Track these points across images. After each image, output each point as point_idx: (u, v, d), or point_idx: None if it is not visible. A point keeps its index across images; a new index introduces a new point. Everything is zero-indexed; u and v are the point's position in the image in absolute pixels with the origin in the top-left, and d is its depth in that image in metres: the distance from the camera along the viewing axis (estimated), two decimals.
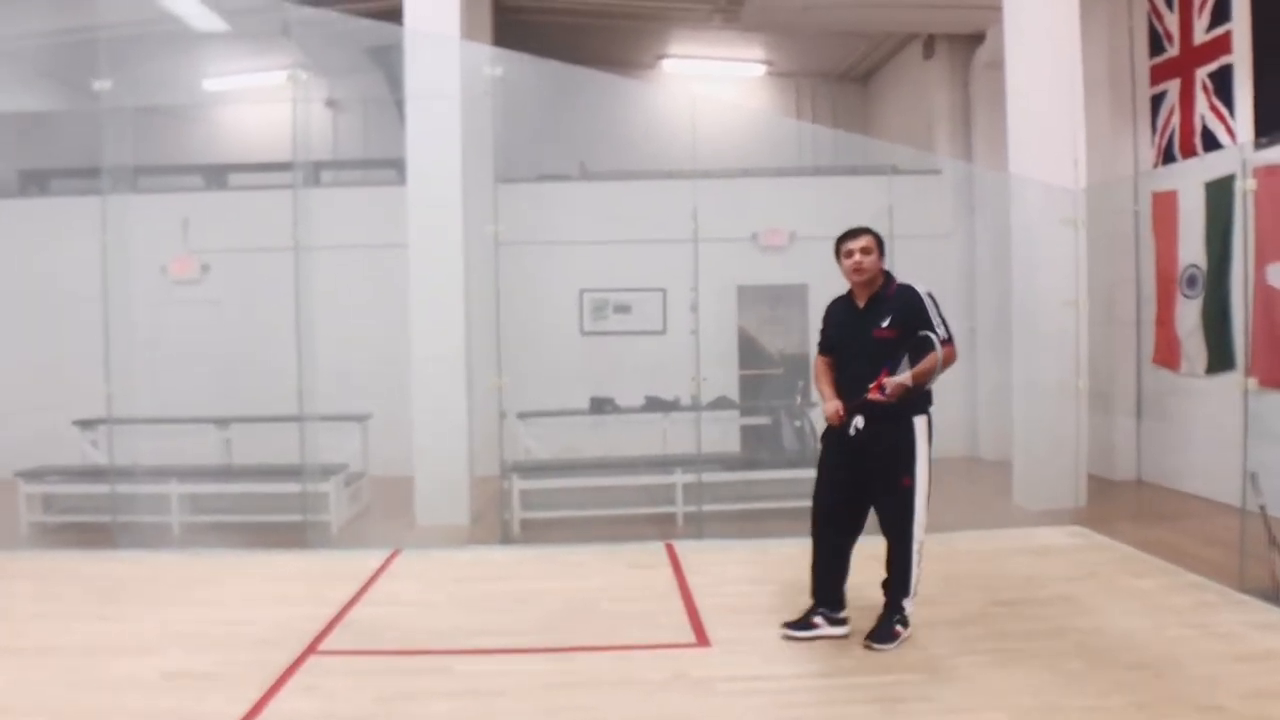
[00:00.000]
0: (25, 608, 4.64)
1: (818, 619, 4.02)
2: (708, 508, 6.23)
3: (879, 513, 3.97)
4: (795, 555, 5.37)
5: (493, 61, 6.09)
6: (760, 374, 8.53)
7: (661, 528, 6.31)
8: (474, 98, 6.53)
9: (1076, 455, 6.72)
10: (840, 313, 4.08)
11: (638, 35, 10.28)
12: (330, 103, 10.72)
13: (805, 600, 4.58)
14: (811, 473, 6.75)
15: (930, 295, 3.83)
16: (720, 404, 7.49)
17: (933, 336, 3.71)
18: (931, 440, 3.86)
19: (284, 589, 4.91)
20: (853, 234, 3.93)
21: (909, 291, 3.87)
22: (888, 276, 3.97)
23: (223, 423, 7.64)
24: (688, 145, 7.16)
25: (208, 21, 9.14)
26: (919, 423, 3.83)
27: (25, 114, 9.42)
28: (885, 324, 3.81)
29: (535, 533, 6.22)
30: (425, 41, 6.48)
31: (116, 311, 6.55)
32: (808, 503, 6.59)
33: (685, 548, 5.65)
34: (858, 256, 3.87)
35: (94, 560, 5.65)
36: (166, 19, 8.77)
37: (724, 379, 8.03)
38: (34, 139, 9.50)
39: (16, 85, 9.50)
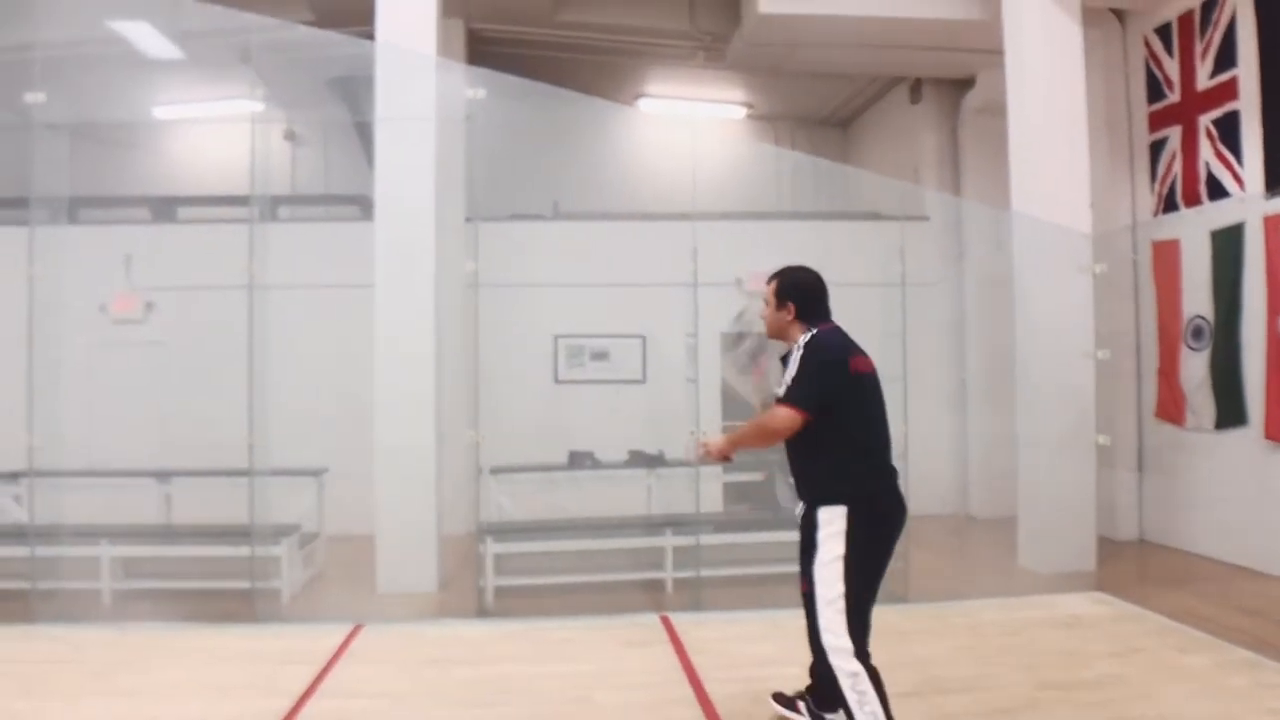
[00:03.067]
0: None
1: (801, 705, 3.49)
2: (704, 574, 5.68)
3: None
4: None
5: (472, 82, 5.63)
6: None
7: (651, 595, 5.76)
8: (449, 123, 6.08)
9: (1088, 515, 6.35)
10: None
11: (615, 72, 9.97)
12: (289, 135, 10.19)
13: None
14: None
15: (811, 344, 3.06)
16: (706, 459, 7.01)
17: (781, 391, 3.02)
18: (857, 538, 2.94)
19: (228, 674, 4.24)
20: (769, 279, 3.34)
21: (801, 341, 3.12)
22: (816, 327, 3.18)
23: (163, 477, 6.93)
24: (666, 185, 6.83)
25: (162, 48, 8.63)
26: (824, 514, 2.99)
27: None
28: (787, 379, 3.08)
29: (512, 602, 5.61)
30: (399, 60, 6.02)
31: (45, 352, 5.88)
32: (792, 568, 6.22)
33: (684, 621, 5.10)
34: (762, 309, 3.36)
35: (9, 637, 4.91)
36: (115, 41, 8.25)
37: (708, 431, 7.57)
38: None
39: None
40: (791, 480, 7.01)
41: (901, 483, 3.23)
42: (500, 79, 5.90)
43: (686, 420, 6.14)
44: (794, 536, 6.11)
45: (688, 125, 10.09)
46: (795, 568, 5.87)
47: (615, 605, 5.39)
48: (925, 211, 8.97)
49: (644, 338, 8.15)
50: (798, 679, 4.06)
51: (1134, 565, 6.72)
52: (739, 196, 8.84)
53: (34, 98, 5.93)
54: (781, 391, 3.03)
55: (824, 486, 3.04)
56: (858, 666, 2.90)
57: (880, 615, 4.91)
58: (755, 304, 7.73)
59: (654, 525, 5.99)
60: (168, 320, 7.75)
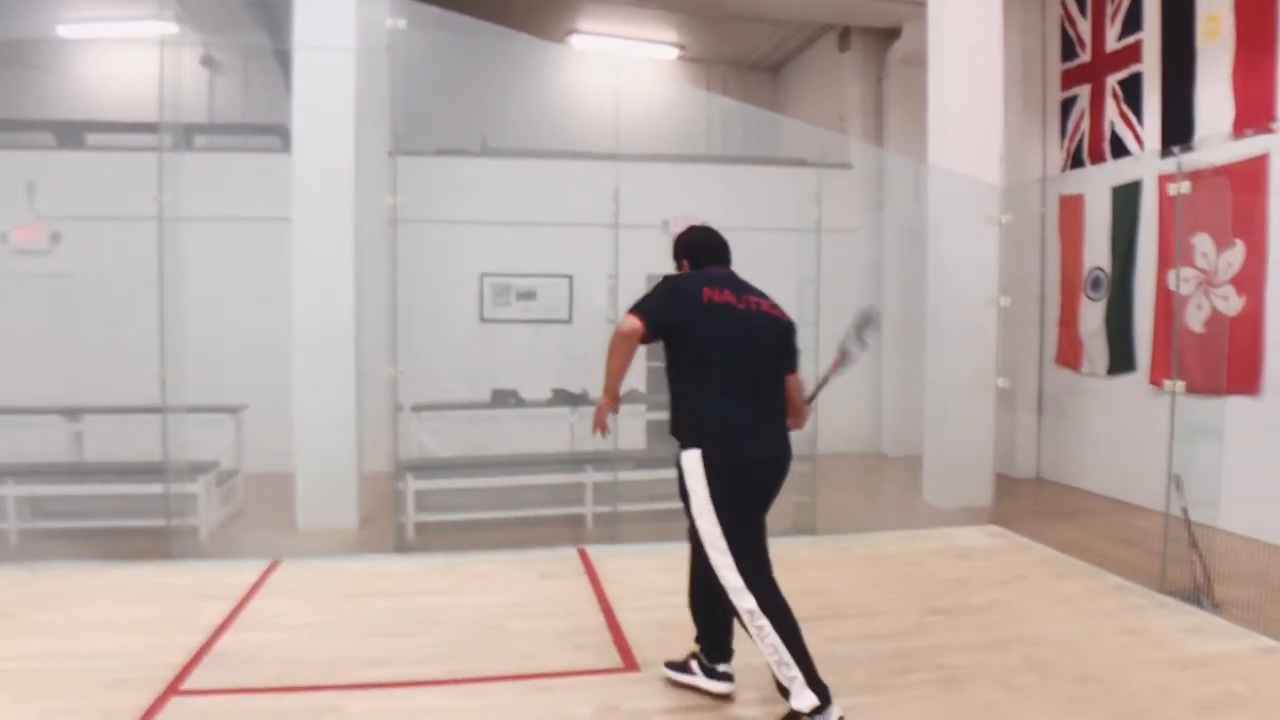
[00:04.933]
0: None
1: (694, 663, 3.41)
2: (622, 508, 5.85)
3: None
4: None
5: (394, 12, 5.48)
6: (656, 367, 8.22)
7: (571, 530, 5.92)
8: (371, 53, 5.92)
9: (987, 454, 6.70)
10: None
11: (546, 7, 9.76)
12: (206, 61, 9.76)
13: None
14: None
15: (669, 275, 3.19)
16: (630, 398, 7.13)
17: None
18: (716, 481, 2.92)
19: (141, 612, 4.24)
20: None
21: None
22: None
23: (73, 414, 6.75)
24: (597, 125, 6.79)
25: None
26: (685, 460, 2.99)
27: None
28: None
29: (433, 537, 5.70)
30: None
31: None
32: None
33: (600, 553, 5.27)
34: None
35: None
36: None
37: (631, 371, 7.67)
38: None
39: None
40: None
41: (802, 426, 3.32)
42: (425, 10, 5.74)
43: (600, 360, 6.22)
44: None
45: (615, 64, 9.98)
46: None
47: (536, 540, 5.52)
48: (849, 160, 9.11)
49: (570, 278, 8.17)
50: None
51: (1029, 501, 7.13)
52: (668, 139, 8.85)
53: None
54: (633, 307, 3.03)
55: (682, 427, 3.03)
56: (752, 603, 2.89)
57: (788, 547, 5.16)
58: None
59: (576, 462, 6.11)
60: (75, 252, 7.46)
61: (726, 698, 3.28)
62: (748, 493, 3.02)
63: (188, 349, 5.60)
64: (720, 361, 2.99)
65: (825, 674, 2.91)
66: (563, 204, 7.76)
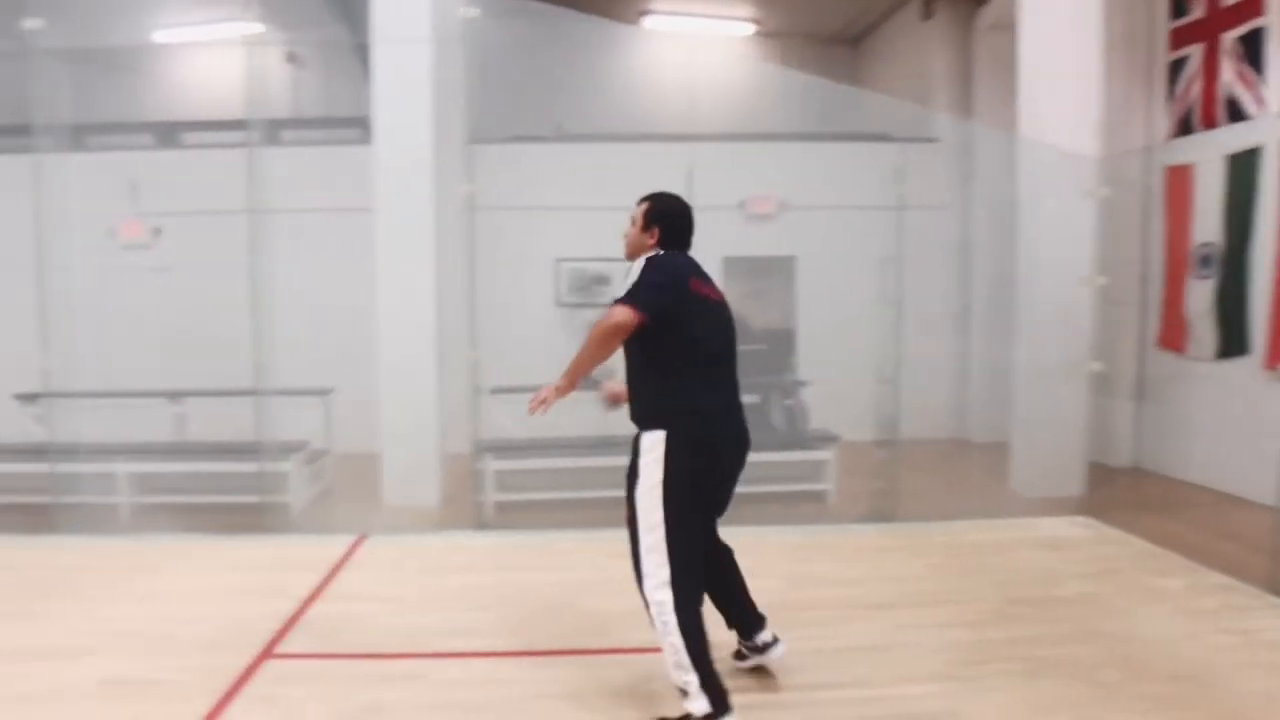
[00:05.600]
0: None
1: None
2: None
3: None
4: (794, 545, 5.12)
5: (468, 1, 5.56)
6: (744, 349, 8.14)
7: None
8: (445, 43, 6.03)
9: (1080, 441, 6.42)
10: None
11: None
12: (290, 58, 10.08)
13: (813, 593, 4.30)
14: (803, 455, 6.51)
15: (656, 258, 2.95)
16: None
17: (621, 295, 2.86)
18: (675, 466, 2.80)
19: (238, 580, 4.48)
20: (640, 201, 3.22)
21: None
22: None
23: (175, 397, 7.13)
24: (672, 106, 6.76)
25: None
26: (646, 440, 2.88)
27: None
28: None
29: (510, 516, 5.82)
30: None
31: (57, 279, 6.01)
32: (801, 486, 6.39)
33: None
34: (626, 227, 3.20)
35: (32, 546, 5.18)
36: None
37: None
38: None
39: None
40: (786, 402, 7.12)
41: (750, 415, 3.17)
42: None
43: None
44: (786, 457, 6.31)
45: (689, 43, 9.90)
46: (780, 488, 6.09)
47: (609, 520, 5.55)
48: (935, 133, 8.84)
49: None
50: (772, 591, 4.24)
51: (1124, 491, 6.81)
52: (744, 117, 8.74)
53: (32, 24, 5.93)
54: (625, 295, 2.84)
55: (650, 408, 2.93)
56: (665, 595, 2.79)
57: (865, 534, 5.09)
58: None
59: None
60: (175, 245, 7.86)
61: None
62: (707, 484, 2.93)
63: (279, 335, 5.84)
64: (701, 351, 2.93)
65: (900, 661, 2.86)
66: (637, 187, 7.74)
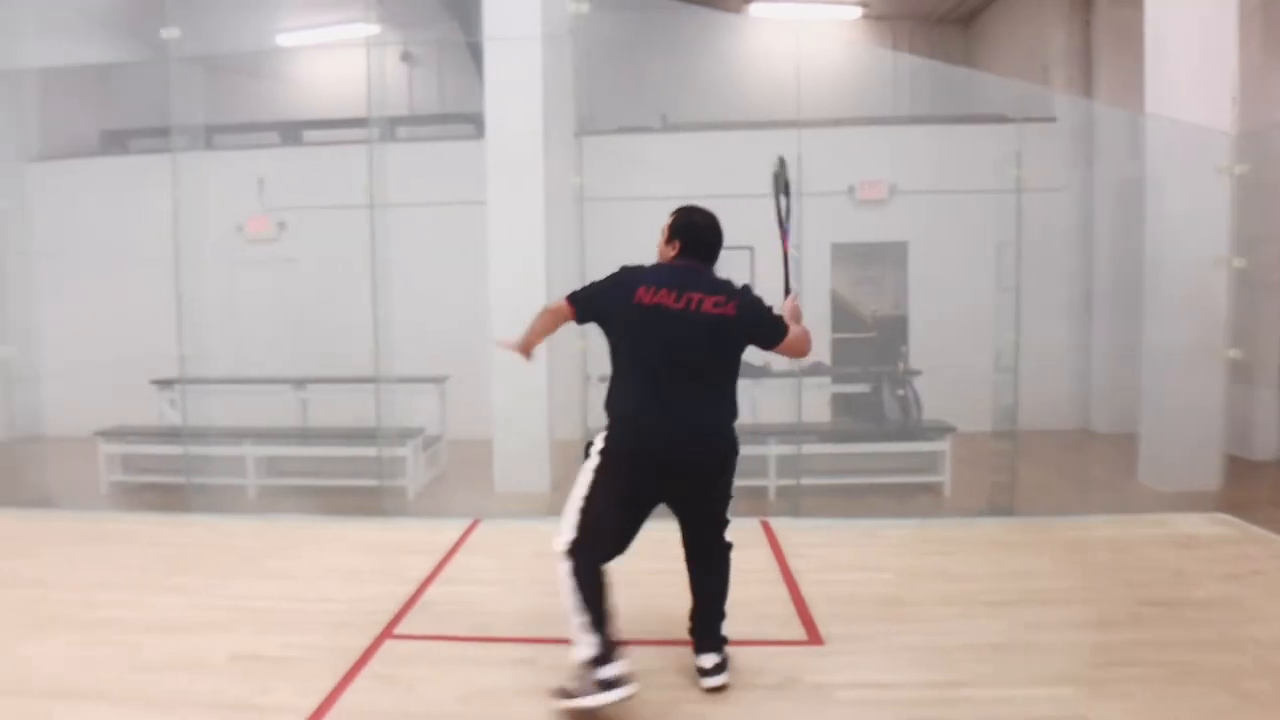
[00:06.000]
0: (98, 575, 4.50)
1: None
2: (805, 482, 5.77)
3: None
4: (907, 540, 4.99)
5: None
6: (854, 338, 7.99)
7: (752, 502, 5.90)
8: (554, 39, 6.10)
9: (1215, 432, 6.03)
10: None
11: None
12: (405, 57, 10.42)
13: (930, 588, 4.18)
14: (915, 446, 6.35)
15: (623, 267, 3.17)
16: (815, 370, 6.99)
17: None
18: (606, 464, 3.03)
19: (358, 562, 4.67)
20: None
21: None
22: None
23: (299, 384, 7.49)
24: (777, 92, 6.64)
25: None
26: (598, 438, 3.10)
27: (99, 65, 9.35)
28: None
29: None
30: None
31: (191, 270, 6.39)
32: (913, 478, 6.24)
33: (782, 526, 5.22)
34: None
35: (168, 524, 5.54)
36: None
37: (819, 343, 7.50)
38: (109, 94, 9.45)
39: (88, 38, 9.41)
40: (899, 392, 6.95)
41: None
42: None
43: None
44: (898, 449, 6.16)
45: (796, 29, 9.71)
46: (892, 479, 5.95)
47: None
48: (1053, 113, 8.43)
49: (752, 249, 8.08)
50: (885, 584, 4.18)
51: (1267, 487, 6.39)
52: (853, 102, 8.55)
53: (169, 33, 6.30)
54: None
55: (605, 409, 3.11)
56: (561, 549, 2.99)
57: (983, 528, 4.92)
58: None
59: (758, 434, 6.08)
60: (298, 238, 8.23)
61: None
62: (629, 486, 3.02)
63: (397, 324, 6.05)
64: (632, 357, 3.04)
65: (1026, 661, 2.75)
66: (744, 175, 7.67)
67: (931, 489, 6.11)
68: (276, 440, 6.61)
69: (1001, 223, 6.29)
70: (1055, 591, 4.07)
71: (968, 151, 7.83)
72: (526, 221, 6.16)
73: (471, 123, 8.59)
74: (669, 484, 3.09)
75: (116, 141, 9.62)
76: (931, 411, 6.87)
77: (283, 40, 10.19)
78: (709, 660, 3.16)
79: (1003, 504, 5.54)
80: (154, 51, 7.76)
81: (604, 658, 2.88)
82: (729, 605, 3.28)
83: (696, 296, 3.03)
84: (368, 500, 5.86)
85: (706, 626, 3.23)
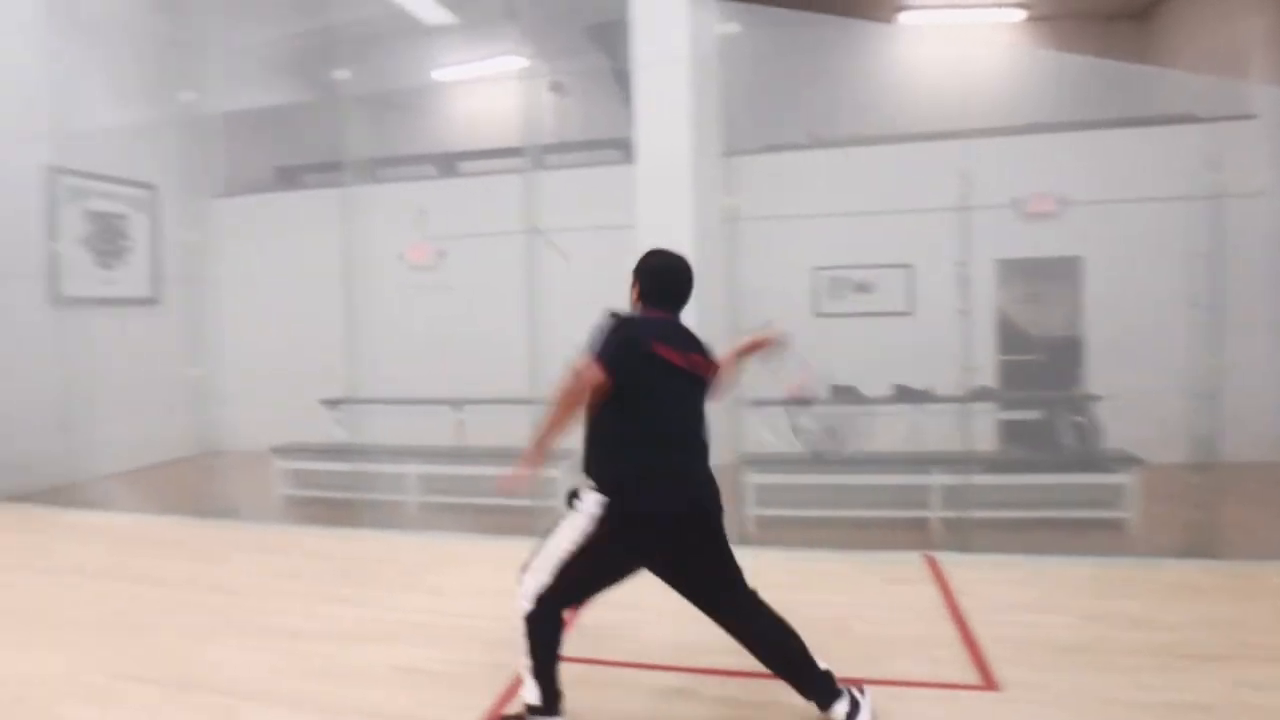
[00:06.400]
0: (275, 584, 4.75)
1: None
2: (973, 514, 5.41)
3: None
4: (1088, 580, 4.58)
5: (725, 16, 5.57)
6: (1022, 360, 7.49)
7: (913, 535, 5.60)
8: (704, 60, 6.07)
9: None
10: None
11: None
12: (554, 86, 10.68)
13: (1118, 636, 3.81)
14: (1095, 478, 5.85)
15: (618, 319, 2.92)
16: (981, 395, 6.59)
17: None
18: (607, 529, 2.82)
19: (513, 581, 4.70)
20: None
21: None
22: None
23: (457, 404, 7.73)
24: (935, 103, 6.37)
25: (437, 15, 9.38)
26: (590, 499, 2.85)
27: (276, 108, 10.09)
28: None
29: (773, 532, 5.70)
30: (652, 4, 6.10)
31: (359, 297, 6.73)
32: (1093, 513, 5.74)
33: (948, 561, 4.91)
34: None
35: (337, 537, 5.81)
36: (397, 15, 9.10)
37: (981, 366, 7.10)
38: (284, 133, 10.16)
39: (266, 84, 10.19)
40: (1076, 419, 6.45)
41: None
42: (751, 10, 5.79)
43: (958, 354, 5.81)
44: (1075, 480, 5.70)
45: (954, 36, 9.31)
46: (1067, 513, 5.50)
47: (877, 542, 5.30)
48: (1250, 110, 7.67)
49: (909, 267, 7.76)
50: (1067, 628, 3.83)
51: None
52: (1016, 109, 8.08)
53: (341, 74, 6.72)
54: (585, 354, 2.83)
55: (598, 470, 2.87)
56: (530, 593, 2.89)
57: (1179, 570, 4.46)
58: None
59: (920, 462, 5.77)
60: (457, 265, 8.55)
61: None
62: (630, 554, 2.91)
63: (551, 347, 6.12)
64: (648, 414, 2.85)
65: None
66: (899, 190, 7.40)
67: (1113, 525, 5.61)
68: (436, 459, 6.83)
69: (1190, 232, 5.75)
70: (1272, 648, 3.61)
71: (1148, 156, 7.25)
72: (675, 242, 6.05)
73: (618, 148, 8.70)
74: (682, 549, 2.95)
75: (289, 177, 10.35)
76: (1113, 440, 6.33)
77: (438, 76, 10.67)
78: (840, 710, 2.94)
79: (1200, 545, 4.99)
80: (321, 92, 8.31)
81: (548, 708, 2.91)
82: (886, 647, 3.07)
83: (694, 356, 2.98)
84: (523, 520, 5.93)
85: (805, 675, 3.00)
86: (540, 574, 2.91)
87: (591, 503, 2.85)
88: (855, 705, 2.93)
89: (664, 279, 3.09)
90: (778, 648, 3.02)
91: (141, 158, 9.01)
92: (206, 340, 7.51)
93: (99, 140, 8.25)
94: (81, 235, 8.44)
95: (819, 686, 2.96)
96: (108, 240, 8.78)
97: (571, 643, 3.75)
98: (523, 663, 2.93)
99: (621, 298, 6.28)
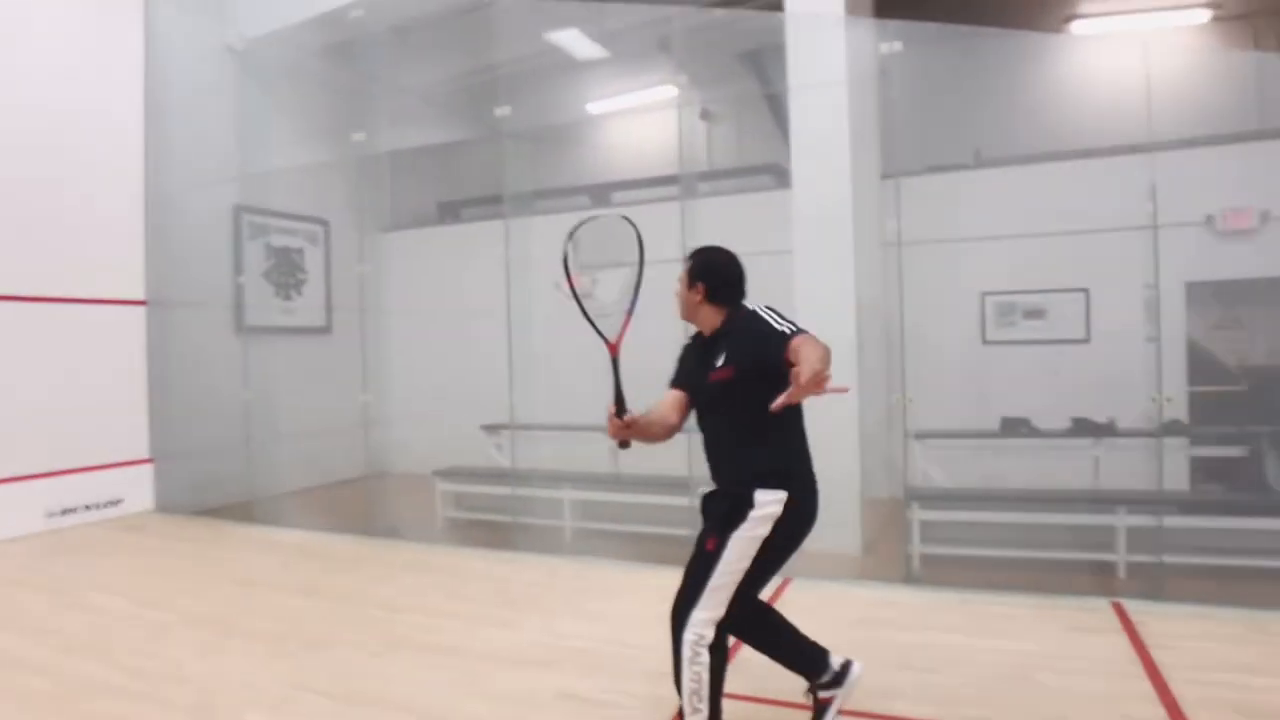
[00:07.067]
0: (439, 604, 4.90)
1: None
2: (1167, 559, 4.96)
3: None
4: None
5: (884, 36, 5.42)
6: (1218, 391, 6.83)
7: (1097, 579, 5.18)
8: (861, 81, 5.94)
9: None
10: (692, 353, 3.15)
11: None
12: (705, 114, 10.75)
13: None
14: None
15: (769, 310, 2.93)
16: (1172, 429, 6.05)
17: (782, 329, 2.80)
18: (784, 530, 2.79)
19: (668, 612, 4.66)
20: None
21: (747, 314, 2.96)
22: (735, 310, 3.02)
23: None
24: (1111, 115, 5.96)
25: (591, 50, 9.65)
26: (763, 496, 2.78)
27: (439, 146, 10.62)
28: (720, 363, 2.90)
29: (939, 571, 5.41)
30: (807, 25, 6.02)
31: (518, 325, 6.93)
32: None
33: (1139, 610, 4.50)
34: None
35: (496, 560, 5.95)
36: (553, 51, 9.41)
37: (1177, 398, 6.52)
38: (448, 169, 10.68)
39: (430, 123, 10.75)
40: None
41: None
42: (911, 27, 5.62)
43: (1145, 384, 5.36)
44: None
45: (1134, 42, 8.70)
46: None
47: (1053, 585, 4.93)
48: None
49: (1087, 291, 7.25)
50: None
51: None
52: (1207, 118, 7.45)
53: (502, 111, 7.00)
54: (780, 328, 2.82)
55: (768, 464, 2.84)
56: (709, 632, 2.82)
57: None
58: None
59: (1103, 501, 5.34)
60: (614, 295, 8.66)
61: None
62: (794, 548, 2.93)
63: None
64: (792, 411, 2.90)
65: None
66: (1072, 209, 6.96)
67: None
68: (590, 485, 6.91)
69: None
70: None
71: None
72: (834, 267, 5.98)
73: (770, 173, 8.63)
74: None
75: (450, 211, 10.86)
76: None
77: (593, 109, 10.95)
78: (836, 660, 3.21)
79: None
80: (482, 129, 8.67)
81: None
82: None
83: None
84: (676, 550, 5.88)
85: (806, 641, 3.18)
86: (716, 603, 2.85)
87: (769, 501, 2.80)
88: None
89: (732, 275, 3.10)
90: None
91: (316, 195, 9.69)
92: (375, 367, 7.93)
93: (278, 180, 8.93)
94: (263, 269, 9.13)
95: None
96: (286, 273, 9.46)
97: (733, 679, 3.67)
98: (694, 706, 2.85)
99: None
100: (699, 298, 3.07)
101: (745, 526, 2.80)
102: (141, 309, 8.11)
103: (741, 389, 2.84)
